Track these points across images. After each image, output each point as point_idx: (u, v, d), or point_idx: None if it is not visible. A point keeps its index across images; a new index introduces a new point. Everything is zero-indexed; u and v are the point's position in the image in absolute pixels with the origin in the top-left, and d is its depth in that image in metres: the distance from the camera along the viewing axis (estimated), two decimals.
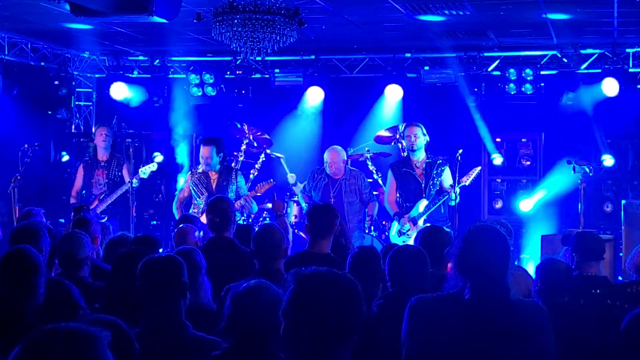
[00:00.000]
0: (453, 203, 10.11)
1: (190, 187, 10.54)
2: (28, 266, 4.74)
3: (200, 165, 10.65)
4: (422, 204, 10.30)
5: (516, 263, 9.57)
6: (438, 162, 10.44)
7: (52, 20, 11.16)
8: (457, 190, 10.11)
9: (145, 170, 11.53)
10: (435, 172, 10.38)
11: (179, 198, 10.75)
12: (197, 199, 10.43)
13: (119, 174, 11.84)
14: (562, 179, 11.96)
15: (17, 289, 4.65)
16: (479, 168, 10.81)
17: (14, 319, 4.54)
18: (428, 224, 9.23)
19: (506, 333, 3.84)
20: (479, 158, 12.58)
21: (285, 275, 5.40)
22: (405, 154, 11.61)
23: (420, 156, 10.52)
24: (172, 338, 4.26)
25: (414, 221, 10.26)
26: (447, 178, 10.37)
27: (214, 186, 10.36)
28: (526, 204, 10.45)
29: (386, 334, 4.54)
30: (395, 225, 10.52)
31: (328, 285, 3.11)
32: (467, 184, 10.35)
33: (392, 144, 12.32)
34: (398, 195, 10.54)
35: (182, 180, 12.14)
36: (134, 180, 11.32)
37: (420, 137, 10.42)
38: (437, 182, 10.39)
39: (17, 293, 4.64)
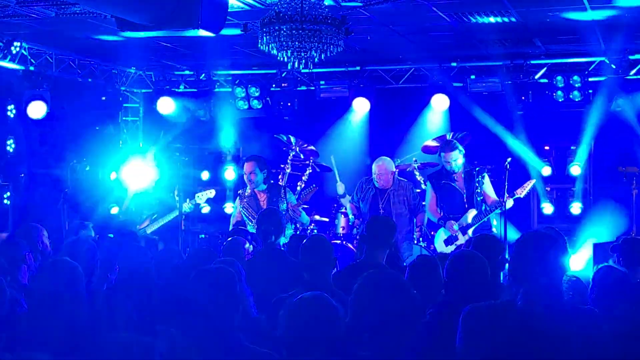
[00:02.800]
0: (498, 211, 9.99)
1: (242, 212, 10.25)
2: (67, 277, 4.81)
3: (247, 188, 10.39)
4: (471, 213, 10.19)
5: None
6: (477, 169, 10.33)
7: (100, 36, 11.27)
8: (511, 202, 9.98)
9: (202, 196, 11.44)
10: (476, 180, 10.27)
11: (233, 224, 10.40)
12: (249, 224, 10.05)
13: (171, 194, 11.61)
14: (613, 186, 11.80)
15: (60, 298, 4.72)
16: (534, 181, 10.67)
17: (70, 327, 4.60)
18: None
19: (558, 340, 3.82)
20: (526, 167, 12.44)
21: (332, 287, 5.40)
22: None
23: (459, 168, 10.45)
24: (225, 349, 4.23)
25: (462, 231, 10.16)
26: (487, 186, 10.27)
27: (264, 207, 9.93)
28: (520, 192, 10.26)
29: (440, 342, 4.50)
30: (441, 234, 10.42)
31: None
32: (521, 196, 10.22)
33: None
34: (439, 208, 10.43)
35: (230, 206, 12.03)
36: (189, 205, 11.21)
37: (458, 158, 10.31)
38: (481, 191, 10.26)
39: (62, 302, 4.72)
